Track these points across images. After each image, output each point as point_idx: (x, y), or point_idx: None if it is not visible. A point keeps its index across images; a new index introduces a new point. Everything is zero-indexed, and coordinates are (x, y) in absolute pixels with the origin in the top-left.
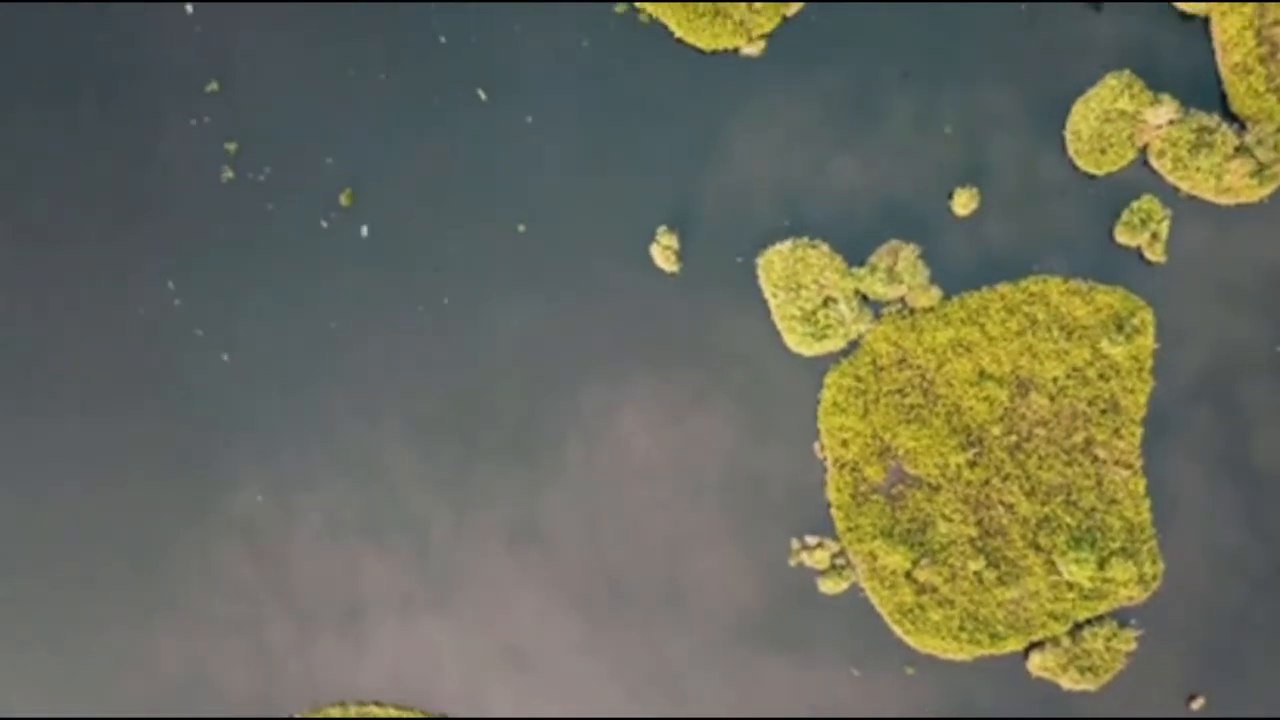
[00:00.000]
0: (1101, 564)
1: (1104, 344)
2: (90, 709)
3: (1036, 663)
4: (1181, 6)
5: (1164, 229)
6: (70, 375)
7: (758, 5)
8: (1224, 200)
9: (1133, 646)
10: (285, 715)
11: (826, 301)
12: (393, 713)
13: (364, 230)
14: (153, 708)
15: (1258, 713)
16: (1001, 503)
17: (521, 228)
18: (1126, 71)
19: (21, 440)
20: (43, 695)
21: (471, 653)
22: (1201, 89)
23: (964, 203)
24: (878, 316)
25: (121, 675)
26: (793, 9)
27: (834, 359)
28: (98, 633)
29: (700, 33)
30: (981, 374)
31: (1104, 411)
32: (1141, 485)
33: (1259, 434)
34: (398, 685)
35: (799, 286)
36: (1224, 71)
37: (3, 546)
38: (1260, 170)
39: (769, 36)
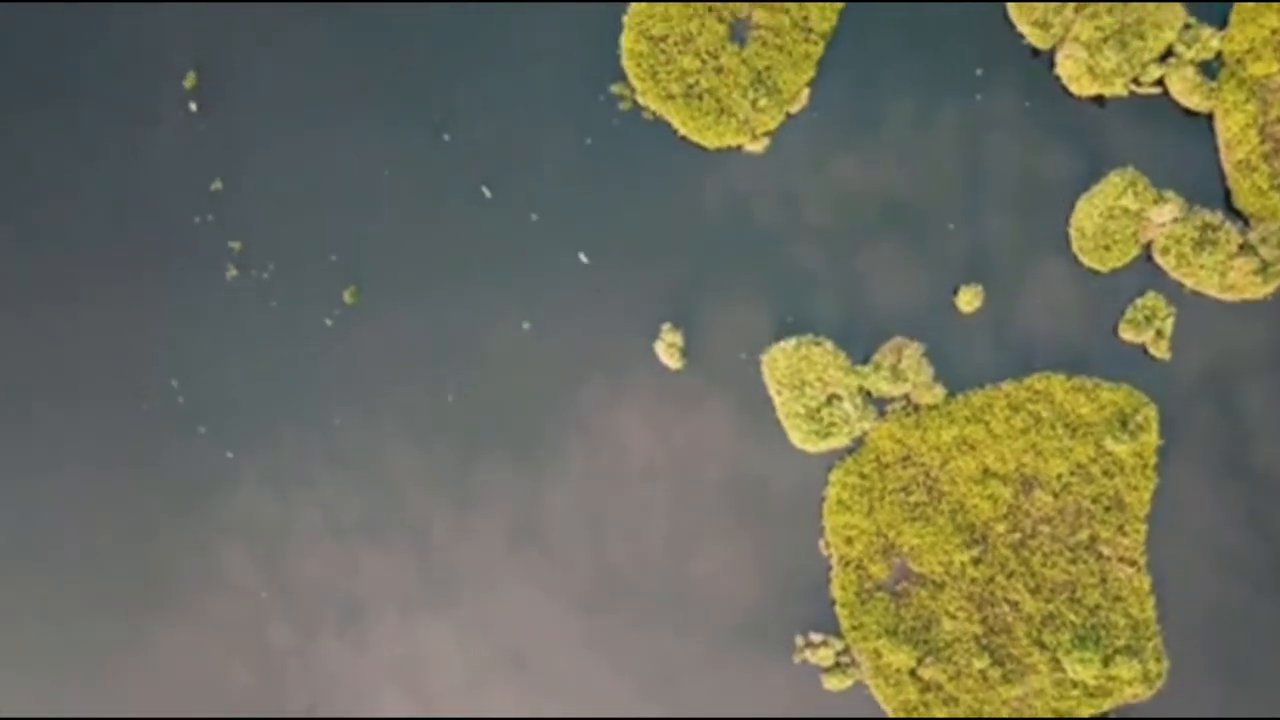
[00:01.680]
0: (1106, 662)
1: (1108, 441)
2: (90, 709)
3: None
4: (1185, 103)
5: (1168, 326)
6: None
7: (762, 104)
8: (1228, 297)
9: None
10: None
11: (831, 399)
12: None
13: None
14: (153, 708)
15: None
16: (1006, 600)
17: (526, 325)
18: (1130, 168)
19: (21, 441)
20: (43, 695)
21: (472, 652)
22: (1205, 184)
23: (968, 300)
24: (882, 414)
25: (121, 675)
26: (796, 106)
27: (838, 455)
28: (98, 633)
29: (704, 131)
30: (986, 471)
31: (1108, 509)
32: (1146, 583)
33: (1263, 531)
34: (398, 685)
35: (803, 384)
36: (1228, 168)
37: (2, 547)
38: (1264, 268)
39: (772, 134)
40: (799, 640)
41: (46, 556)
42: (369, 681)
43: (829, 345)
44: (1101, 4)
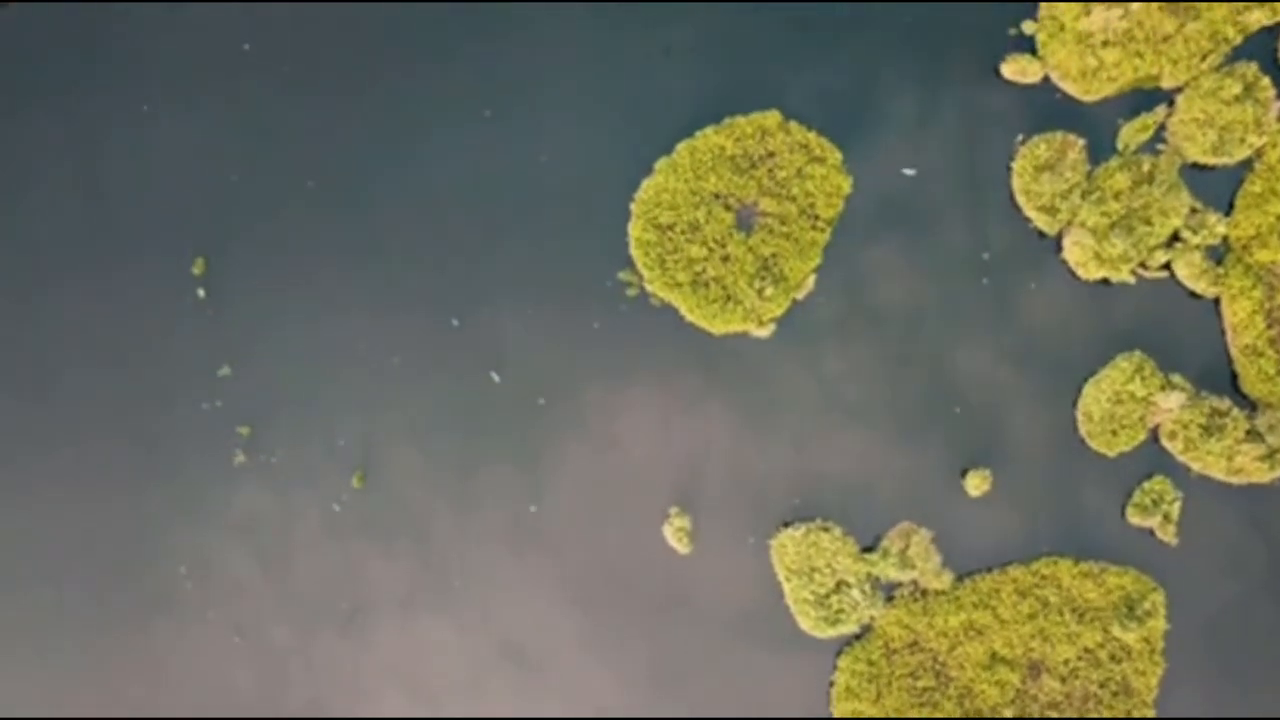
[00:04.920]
0: None
1: (1115, 628)
2: (90, 709)
3: None
4: (1192, 287)
5: (1175, 510)
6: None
7: (768, 292)
8: (1235, 480)
9: None
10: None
11: (839, 585)
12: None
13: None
14: (153, 708)
15: None
16: None
17: (533, 508)
18: (1137, 352)
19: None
20: (42, 695)
21: (472, 651)
22: (1212, 367)
23: (976, 484)
24: (890, 598)
25: (121, 675)
26: (803, 293)
27: (846, 641)
28: (98, 632)
29: (711, 318)
30: (994, 657)
31: (1115, 694)
32: None
33: (1270, 711)
34: (398, 684)
35: (812, 570)
36: (1234, 353)
37: (2, 547)
38: (1270, 454)
39: (779, 320)
40: None
41: (46, 556)
42: (369, 681)
43: (837, 531)
44: (1108, 191)
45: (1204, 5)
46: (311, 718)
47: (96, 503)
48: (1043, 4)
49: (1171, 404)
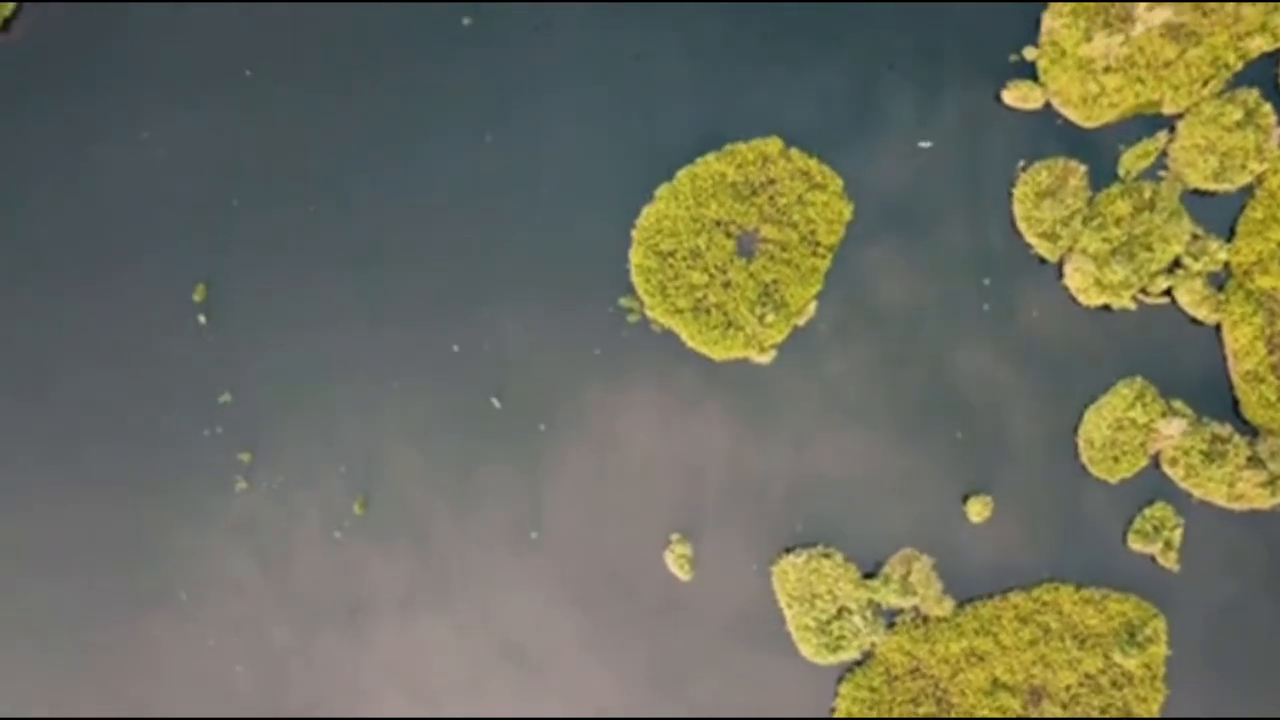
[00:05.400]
0: None
1: (1116, 655)
2: (90, 709)
3: None
4: (1193, 313)
5: (1176, 536)
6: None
7: (769, 319)
8: (1237, 506)
9: None
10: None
11: (841, 612)
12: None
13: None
14: (153, 708)
15: None
16: None
17: (534, 534)
18: (1138, 379)
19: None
20: (42, 695)
21: (472, 651)
22: (1213, 393)
23: (978, 510)
24: (891, 624)
25: (121, 675)
26: (803, 319)
27: (848, 667)
28: (98, 632)
29: (712, 344)
30: (995, 683)
31: None
32: None
33: None
34: (398, 684)
35: (814, 597)
36: (1236, 379)
37: (1, 547)
38: (1272, 481)
39: (779, 346)
40: None
41: (46, 556)
42: (369, 681)
43: (839, 558)
44: (1109, 217)
45: (1205, 31)
46: (311, 718)
47: (101, 529)
48: (1044, 30)
49: (1173, 431)
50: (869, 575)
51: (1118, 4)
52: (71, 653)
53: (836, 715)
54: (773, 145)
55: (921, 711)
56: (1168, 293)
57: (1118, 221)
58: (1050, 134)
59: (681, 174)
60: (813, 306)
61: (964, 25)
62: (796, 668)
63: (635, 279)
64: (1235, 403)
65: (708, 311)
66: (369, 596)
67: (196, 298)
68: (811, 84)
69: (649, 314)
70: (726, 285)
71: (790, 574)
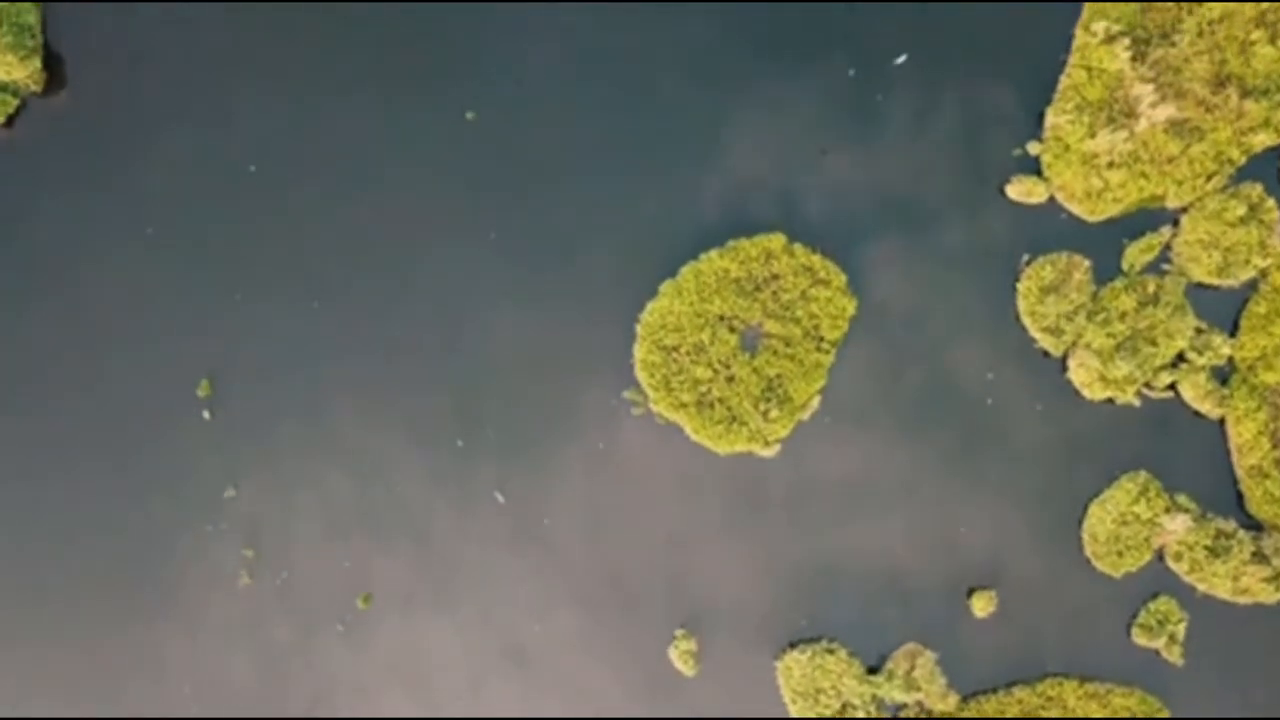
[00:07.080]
0: None
1: None
2: (90, 709)
3: None
4: (1197, 408)
5: (1180, 630)
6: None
7: (773, 415)
8: (1241, 601)
9: None
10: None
11: (845, 708)
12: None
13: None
14: (153, 708)
15: None
16: None
17: (537, 627)
18: (1143, 473)
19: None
20: (43, 695)
21: (473, 651)
22: (1218, 487)
23: (982, 605)
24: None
25: (122, 675)
26: (808, 413)
27: None
28: (97, 632)
29: (716, 439)
30: None
31: None
32: None
33: None
34: (398, 684)
35: (818, 692)
36: (1240, 473)
37: (2, 547)
38: (1276, 576)
39: (783, 440)
40: None
41: (46, 556)
42: (369, 681)
43: (843, 653)
44: (1113, 311)
45: (1209, 127)
46: (311, 718)
47: (103, 629)
48: (1048, 125)
49: (1177, 526)
50: (873, 670)
51: (1122, 100)
52: (71, 653)
53: None
54: (776, 241)
55: None
56: (1172, 387)
57: (1122, 316)
58: (1054, 229)
59: (685, 270)
60: (817, 401)
61: (968, 120)
62: None
63: (639, 373)
64: (1240, 497)
65: (712, 406)
66: (369, 595)
67: (200, 393)
68: (815, 174)
69: (653, 408)
70: (730, 380)
71: (795, 669)
